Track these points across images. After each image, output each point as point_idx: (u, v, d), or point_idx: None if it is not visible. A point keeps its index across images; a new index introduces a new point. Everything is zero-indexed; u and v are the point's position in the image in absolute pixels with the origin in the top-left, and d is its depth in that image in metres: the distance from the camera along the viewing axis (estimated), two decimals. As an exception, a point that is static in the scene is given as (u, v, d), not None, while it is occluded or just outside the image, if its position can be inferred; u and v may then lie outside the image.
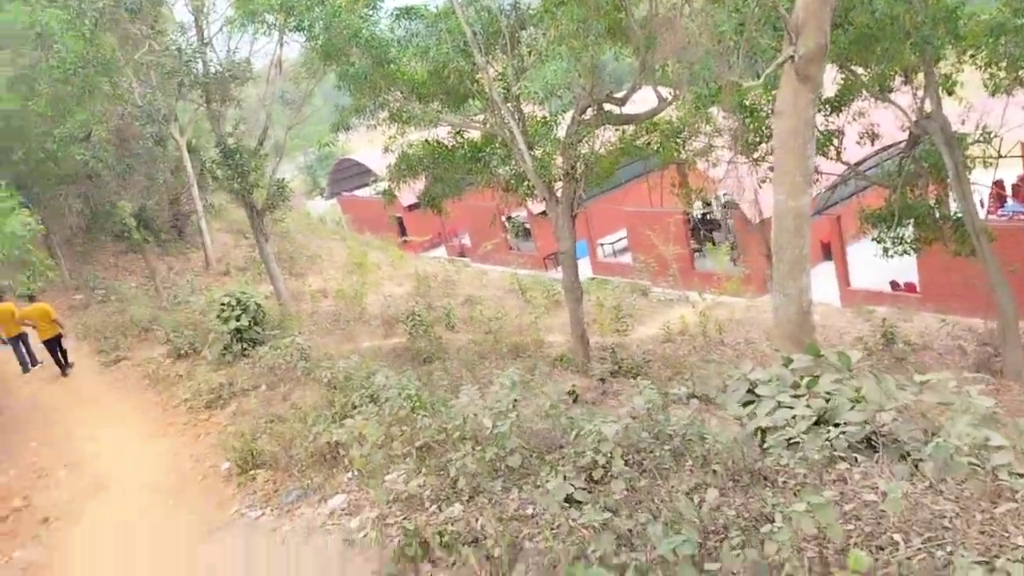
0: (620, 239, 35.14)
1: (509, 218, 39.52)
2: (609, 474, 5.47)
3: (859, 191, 26.10)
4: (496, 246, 34.75)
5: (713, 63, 11.41)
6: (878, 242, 16.77)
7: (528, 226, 39.20)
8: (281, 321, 17.80)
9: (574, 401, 13.43)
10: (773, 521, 4.54)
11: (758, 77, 9.21)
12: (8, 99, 19.64)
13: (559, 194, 15.34)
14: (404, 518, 5.93)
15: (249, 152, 21.84)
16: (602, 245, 35.26)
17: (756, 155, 17.59)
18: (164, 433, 13.08)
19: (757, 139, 17.58)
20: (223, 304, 15.79)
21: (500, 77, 15.22)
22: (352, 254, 32.89)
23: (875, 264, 27.41)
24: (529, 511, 5.46)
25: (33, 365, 18.42)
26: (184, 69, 20.42)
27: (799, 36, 8.17)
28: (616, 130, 15.42)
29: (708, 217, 34.12)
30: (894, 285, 25.74)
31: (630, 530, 4.86)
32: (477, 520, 5.40)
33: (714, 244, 32.72)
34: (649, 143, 15.88)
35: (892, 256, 16.80)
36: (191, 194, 28.72)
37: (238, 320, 15.63)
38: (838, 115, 17.27)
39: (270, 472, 9.19)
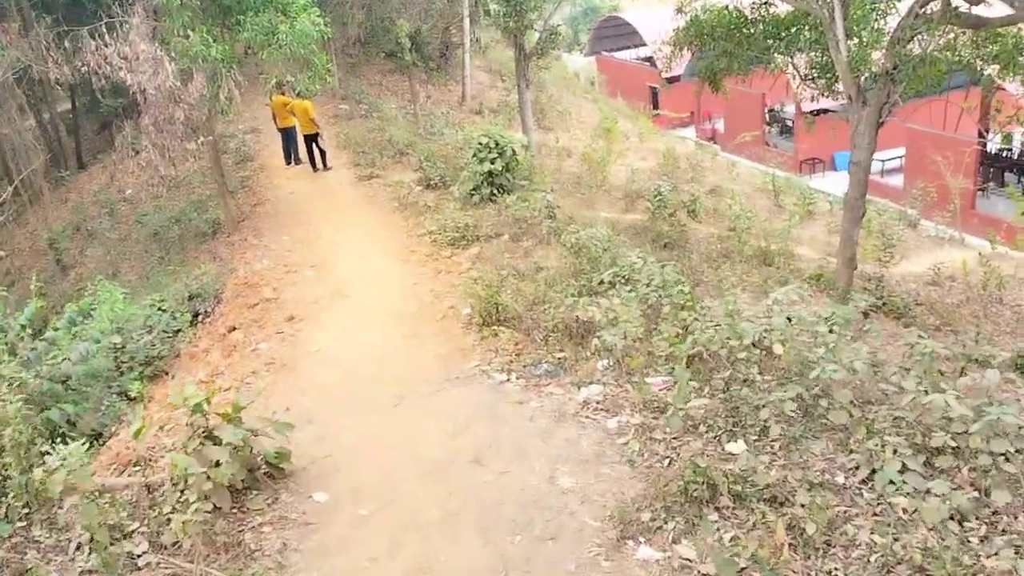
0: (893, 158, 31.46)
1: (771, 110, 36.48)
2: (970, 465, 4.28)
3: None
4: (753, 139, 32.19)
5: None
6: None
7: (790, 123, 36.05)
8: (530, 172, 17.21)
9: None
10: None
11: None
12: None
13: (867, 95, 13.24)
14: (677, 441, 5.09)
15: (529, -9, 20.79)
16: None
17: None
18: (406, 259, 13.07)
19: None
20: (480, 144, 15.35)
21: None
22: (602, 117, 31.65)
23: None
24: (841, 480, 4.44)
25: (297, 163, 19.21)
26: None
27: None
28: (957, 33, 12.88)
29: (1005, 154, 29.65)
30: None
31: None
32: (784, 478, 4.45)
33: (1004, 185, 28.52)
34: (997, 55, 13.22)
35: None
36: (461, 26, 28.35)
37: (492, 163, 15.18)
38: None
39: (513, 333, 8.69)
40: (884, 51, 12.84)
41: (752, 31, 15.42)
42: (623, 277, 9.47)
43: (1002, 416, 4.16)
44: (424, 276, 12.09)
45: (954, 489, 4.16)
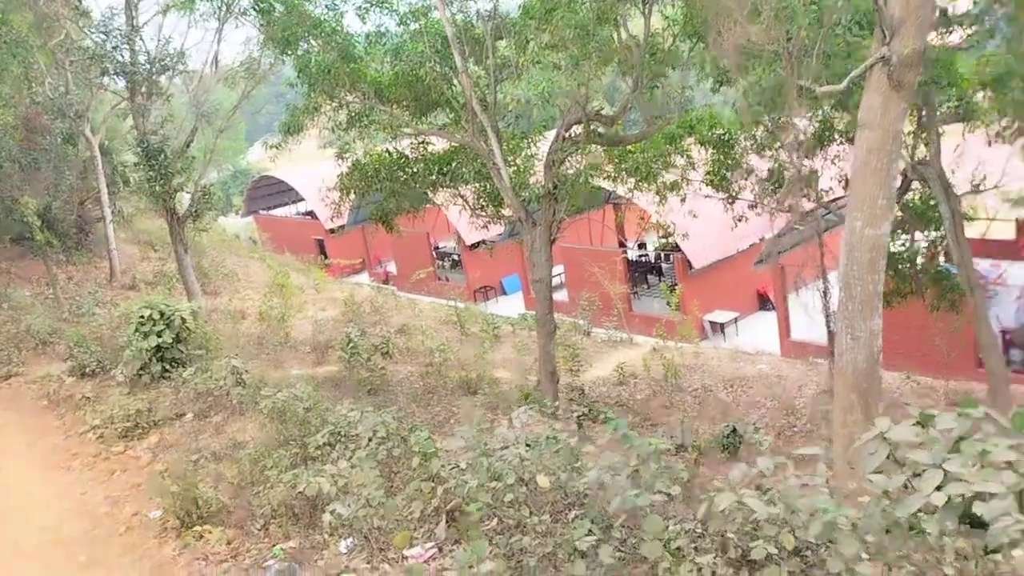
0: (554, 275, 33.77)
1: (437, 247, 37.74)
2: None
3: (804, 239, 25.57)
4: (427, 275, 32.84)
5: (778, 66, 10.03)
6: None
7: (457, 257, 37.52)
8: (205, 340, 15.46)
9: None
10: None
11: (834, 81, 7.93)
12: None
13: (535, 216, 13.76)
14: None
15: (175, 153, 19.44)
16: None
17: (730, 192, 16.51)
18: (68, 465, 10.68)
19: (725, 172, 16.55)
20: (143, 317, 13.46)
21: (476, 85, 13.60)
22: (273, 274, 30.37)
23: (812, 316, 27.05)
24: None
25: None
26: (110, 55, 17.98)
27: (893, 36, 6.90)
28: (603, 150, 13.99)
29: (644, 259, 33.22)
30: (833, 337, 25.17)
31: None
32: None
33: (648, 287, 31.78)
34: (638, 167, 14.49)
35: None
36: (100, 199, 25.83)
37: (160, 336, 13.32)
38: (811, 157, 16.38)
39: (222, 531, 7.09)
40: (543, 173, 13.48)
41: (415, 169, 15.52)
42: (340, 435, 8.36)
43: (830, 509, 3.78)
44: (94, 482, 9.88)
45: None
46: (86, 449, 10.99)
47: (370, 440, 7.82)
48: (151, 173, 19.17)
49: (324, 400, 11.36)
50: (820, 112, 16.38)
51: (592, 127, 13.23)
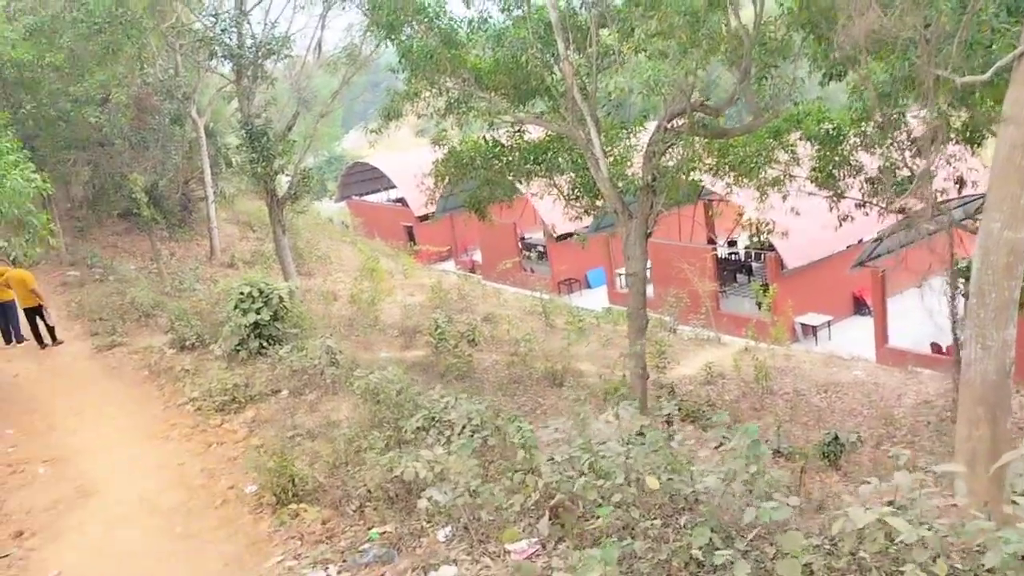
0: (640, 271, 33.23)
1: (522, 238, 37.61)
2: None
3: (907, 244, 24.41)
4: (513, 265, 32.77)
5: (912, 54, 9.44)
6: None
7: (543, 248, 37.33)
8: (301, 319, 15.67)
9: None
10: None
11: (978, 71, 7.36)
12: (24, 48, 17.51)
13: (632, 208, 13.41)
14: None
15: (277, 136, 19.80)
16: (620, 275, 33.35)
17: (836, 190, 15.78)
18: (166, 435, 10.91)
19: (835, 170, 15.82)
20: (242, 294, 13.69)
21: (577, 74, 13.31)
22: (364, 258, 30.77)
23: (909, 323, 25.83)
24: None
25: (19, 342, 16.17)
26: (218, 38, 18.40)
27: (1047, 24, 6.34)
28: (705, 143, 13.51)
29: (735, 257, 32.34)
30: (935, 347, 23.95)
31: None
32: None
33: (737, 285, 30.94)
34: (742, 161, 13.98)
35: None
36: (203, 179, 26.60)
37: (258, 313, 13.53)
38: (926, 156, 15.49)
39: (319, 510, 7.06)
40: (642, 165, 13.11)
41: (510, 158, 15.36)
42: (434, 420, 8.25)
43: (1013, 539, 3.37)
44: (191, 452, 10.05)
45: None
46: (184, 420, 11.21)
47: (463, 428, 7.69)
48: (253, 155, 19.56)
49: (413, 384, 11.32)
50: (936, 109, 15.49)
51: (696, 118, 12.79)
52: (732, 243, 33.41)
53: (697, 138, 12.47)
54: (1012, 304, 6.70)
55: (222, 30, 18.65)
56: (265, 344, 13.45)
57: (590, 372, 18.63)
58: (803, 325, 26.98)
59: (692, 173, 13.62)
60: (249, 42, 19.16)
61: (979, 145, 15.62)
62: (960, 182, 15.71)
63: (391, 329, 21.33)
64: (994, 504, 5.57)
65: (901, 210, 15.29)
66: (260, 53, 19.15)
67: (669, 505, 4.89)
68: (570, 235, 34.32)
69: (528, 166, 14.99)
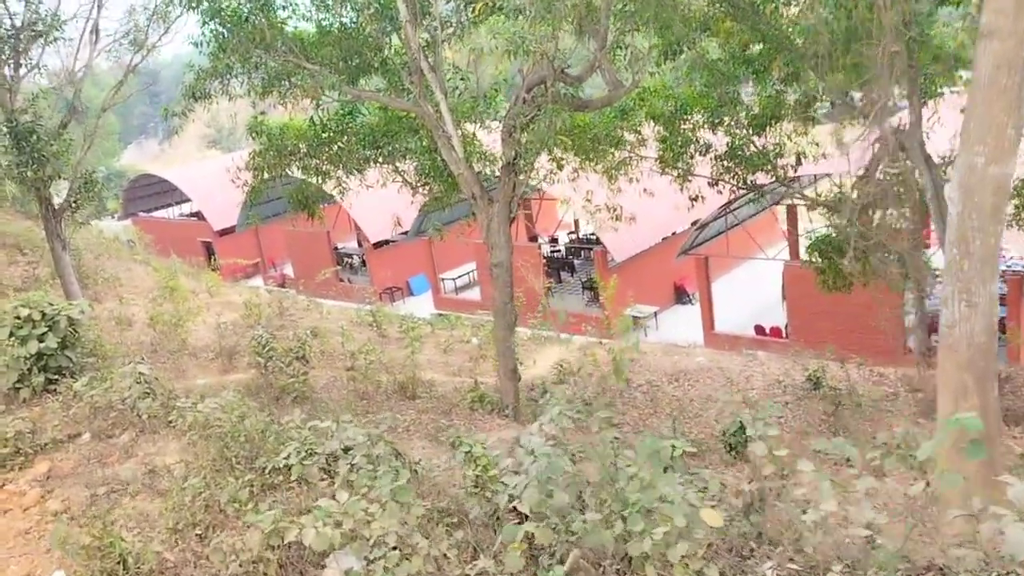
0: (464, 273, 31.91)
1: (336, 248, 35.15)
2: None
3: (729, 228, 24.78)
4: (332, 276, 30.30)
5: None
6: (821, 274, 14.67)
7: (356, 258, 35.10)
8: (96, 347, 12.76)
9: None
10: None
11: None
12: None
13: (491, 193, 11.88)
14: None
15: (50, 134, 16.43)
16: (444, 280, 31.83)
17: (681, 169, 15.18)
18: (-78, 510, 7.97)
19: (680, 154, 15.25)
20: (19, 318, 10.71)
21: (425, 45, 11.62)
22: (160, 278, 27.10)
23: (729, 308, 26.32)
24: None
25: None
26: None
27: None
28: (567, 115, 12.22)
29: (557, 255, 31.83)
30: (759, 329, 24.44)
31: None
32: None
33: (560, 283, 30.41)
34: (595, 140, 12.85)
35: (833, 291, 14.79)
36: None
37: (42, 340, 10.61)
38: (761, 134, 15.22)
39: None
40: (501, 141, 11.63)
41: (344, 143, 13.37)
42: (309, 454, 6.24)
43: None
44: (-39, 530, 7.29)
45: None
46: (-52, 485, 8.29)
47: (355, 460, 5.78)
48: (21, 157, 16.09)
49: (248, 410, 9.11)
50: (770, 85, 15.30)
51: (554, 89, 11.48)
52: (554, 240, 32.93)
53: (561, 111, 11.13)
54: (997, 253, 5.81)
55: (-30, 6, 15.12)
56: (54, 378, 10.58)
57: (439, 381, 16.88)
58: (634, 317, 26.73)
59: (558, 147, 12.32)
60: (8, 22, 15.73)
61: (813, 122, 15.58)
62: (798, 158, 15.57)
63: (204, 352, 18.43)
64: (988, 487, 4.65)
65: (753, 186, 14.90)
66: (23, 36, 15.78)
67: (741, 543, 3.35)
68: (387, 242, 32.42)
69: (365, 151, 13.06)
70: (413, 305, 31.55)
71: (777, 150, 14.45)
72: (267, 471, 6.29)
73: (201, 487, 6.02)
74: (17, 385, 10.40)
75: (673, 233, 28.77)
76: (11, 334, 10.56)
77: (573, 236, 33.46)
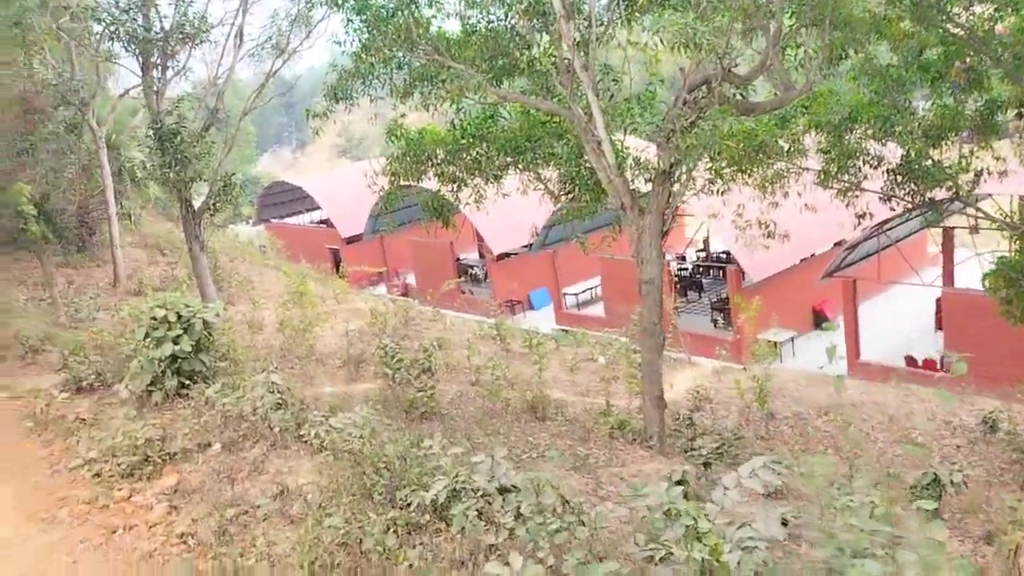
0: (587, 289, 30.88)
1: (458, 260, 34.79)
2: None
3: (882, 249, 22.75)
4: (455, 287, 29.92)
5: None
6: (1007, 304, 12.86)
7: (478, 270, 34.62)
8: (229, 351, 12.47)
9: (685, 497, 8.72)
10: None
11: None
12: None
13: (642, 202, 10.83)
14: None
15: (193, 136, 16.52)
16: (567, 295, 30.89)
17: (850, 183, 13.68)
18: (51, 516, 7.59)
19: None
20: (155, 319, 10.42)
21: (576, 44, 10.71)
22: (289, 283, 27.34)
23: (875, 335, 24.18)
24: None
25: None
26: (123, 19, 15.08)
27: None
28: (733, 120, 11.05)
29: (684, 273, 30.35)
30: (910, 361, 22.25)
31: None
32: None
33: (687, 303, 28.89)
34: (760, 148, 11.63)
35: (1021, 324, 12.95)
36: (104, 197, 22.82)
37: (176, 343, 10.28)
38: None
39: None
40: (657, 148, 10.56)
41: (484, 150, 12.63)
42: (459, 490, 5.36)
43: None
44: (87, 544, 6.83)
45: None
46: (78, 492, 7.92)
47: (520, 508, 4.84)
48: (164, 159, 16.23)
49: (382, 427, 8.39)
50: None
51: (720, 89, 10.34)
52: (682, 258, 31.46)
53: (728, 113, 9.98)
54: None
55: (124, 10, 15.32)
56: (187, 382, 10.21)
57: (569, 401, 15.90)
58: (768, 342, 24.97)
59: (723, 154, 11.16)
60: (157, 25, 15.90)
61: (996, 135, 13.84)
62: (978, 175, 13.79)
63: (331, 359, 18.13)
64: None
65: (931, 202, 13.27)
66: (171, 39, 15.91)
67: None
68: (509, 254, 31.78)
69: (505, 157, 12.27)
70: (534, 319, 30.74)
71: (962, 164, 12.77)
72: (411, 507, 5.46)
73: (339, 522, 5.25)
74: (150, 388, 10.10)
75: (812, 255, 26.84)
76: (147, 335, 10.29)
77: (702, 254, 31.88)
